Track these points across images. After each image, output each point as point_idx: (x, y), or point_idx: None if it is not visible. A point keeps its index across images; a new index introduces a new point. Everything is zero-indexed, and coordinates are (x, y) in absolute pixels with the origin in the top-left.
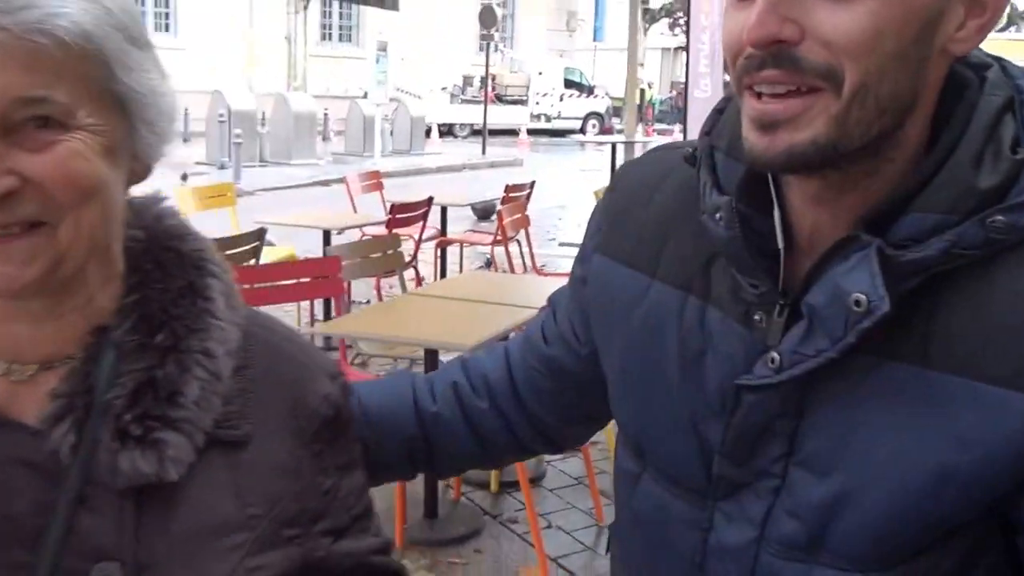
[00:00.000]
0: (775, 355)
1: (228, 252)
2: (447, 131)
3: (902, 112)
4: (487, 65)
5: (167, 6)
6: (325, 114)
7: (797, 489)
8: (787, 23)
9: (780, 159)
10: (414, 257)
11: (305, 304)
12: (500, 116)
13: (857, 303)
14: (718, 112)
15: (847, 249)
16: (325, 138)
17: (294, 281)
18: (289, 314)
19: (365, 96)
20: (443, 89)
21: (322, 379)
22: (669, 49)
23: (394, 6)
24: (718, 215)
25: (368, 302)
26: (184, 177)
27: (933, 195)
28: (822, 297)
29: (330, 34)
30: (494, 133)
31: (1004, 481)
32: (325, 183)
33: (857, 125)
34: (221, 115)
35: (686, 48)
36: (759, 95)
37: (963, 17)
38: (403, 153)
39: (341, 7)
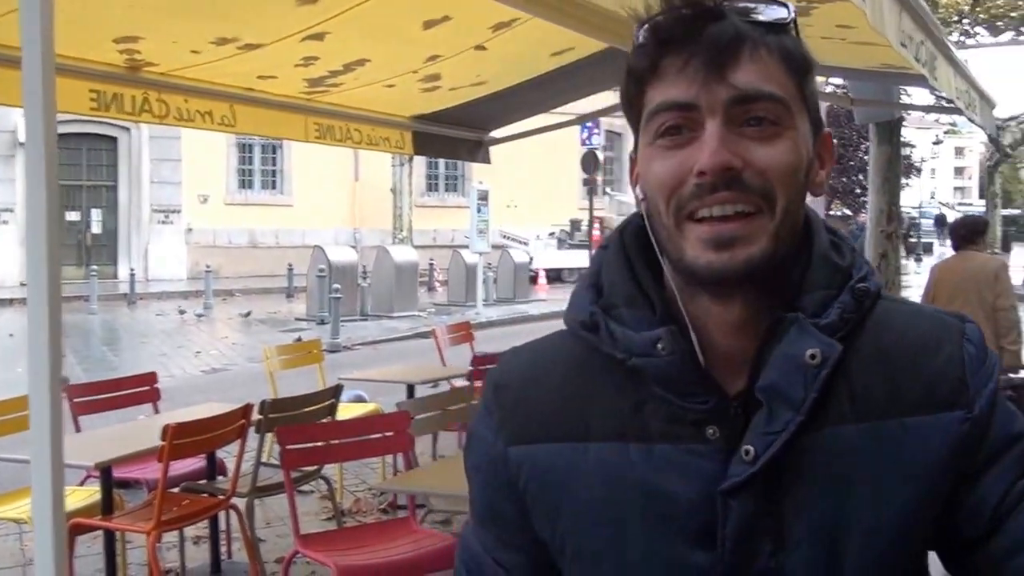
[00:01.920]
0: (748, 447)
1: (305, 410)
2: (555, 277)
3: (798, 233)
4: (591, 210)
5: (274, 164)
6: (431, 264)
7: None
8: (733, 155)
9: (741, 268)
10: None
11: (390, 459)
12: None
13: (812, 356)
14: (591, 287)
15: (778, 332)
16: (431, 288)
17: (363, 438)
18: (375, 469)
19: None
20: (551, 235)
21: None
22: None
23: (486, 159)
24: (659, 345)
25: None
26: (299, 339)
27: (815, 276)
28: (775, 374)
29: (436, 184)
30: None
31: (953, 476)
32: (426, 335)
33: (784, 241)
34: (321, 270)
35: None
36: (702, 220)
37: (817, 166)
38: (507, 301)
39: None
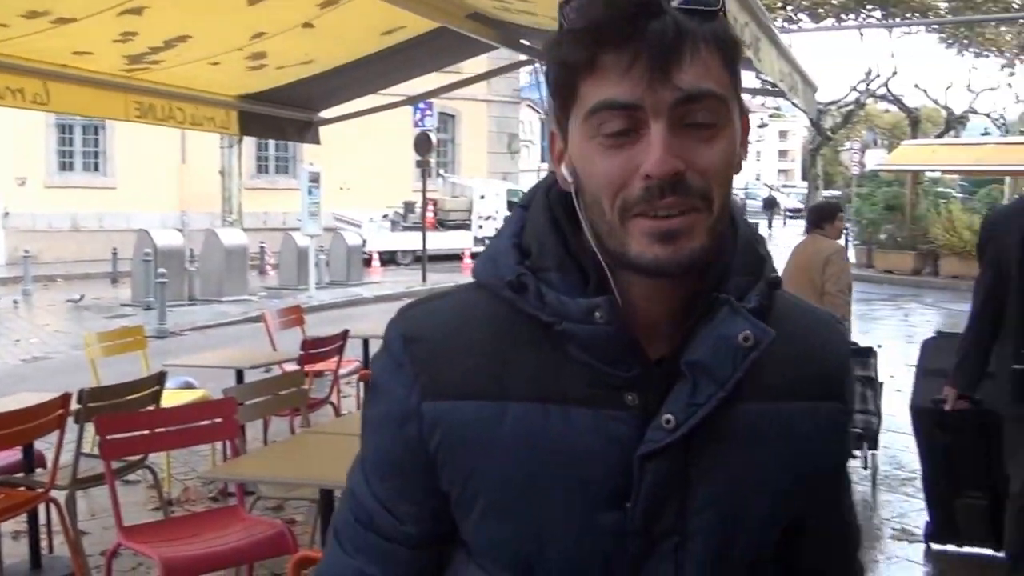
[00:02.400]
0: (669, 416)
1: (127, 398)
2: (389, 259)
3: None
4: (424, 192)
5: (96, 145)
6: (262, 247)
7: (696, 537)
8: (678, 159)
9: (685, 262)
10: (330, 392)
11: (220, 445)
12: (443, 241)
13: (746, 339)
14: (515, 247)
15: (711, 312)
16: (262, 272)
17: (188, 426)
18: (205, 457)
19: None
20: (384, 216)
21: None
22: None
23: (315, 140)
24: (597, 314)
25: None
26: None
27: (740, 262)
28: (705, 351)
29: (266, 166)
30: (438, 259)
31: (826, 469)
32: (257, 319)
33: (719, 234)
34: (147, 254)
35: None
36: (651, 216)
37: (739, 147)
38: (340, 284)
39: None
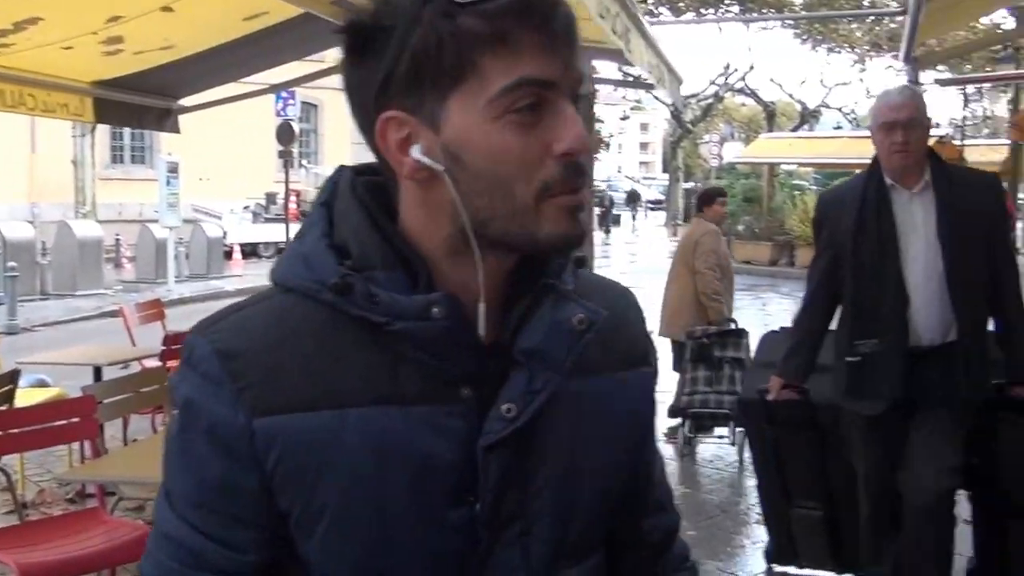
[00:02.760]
0: (509, 405)
1: None
2: (251, 251)
3: None
4: (287, 182)
5: None
6: (117, 240)
7: (540, 521)
8: None
9: (582, 236)
10: None
11: (77, 445)
12: None
13: (580, 322)
14: (332, 247)
15: (540, 296)
16: (118, 265)
17: (44, 426)
18: (61, 458)
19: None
20: (245, 208)
21: None
22: None
23: (175, 129)
24: (434, 310)
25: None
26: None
27: None
28: (540, 337)
29: (121, 156)
30: None
31: (643, 434)
32: (114, 314)
33: None
34: None
35: None
36: (559, 194)
37: None
38: (200, 277)
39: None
